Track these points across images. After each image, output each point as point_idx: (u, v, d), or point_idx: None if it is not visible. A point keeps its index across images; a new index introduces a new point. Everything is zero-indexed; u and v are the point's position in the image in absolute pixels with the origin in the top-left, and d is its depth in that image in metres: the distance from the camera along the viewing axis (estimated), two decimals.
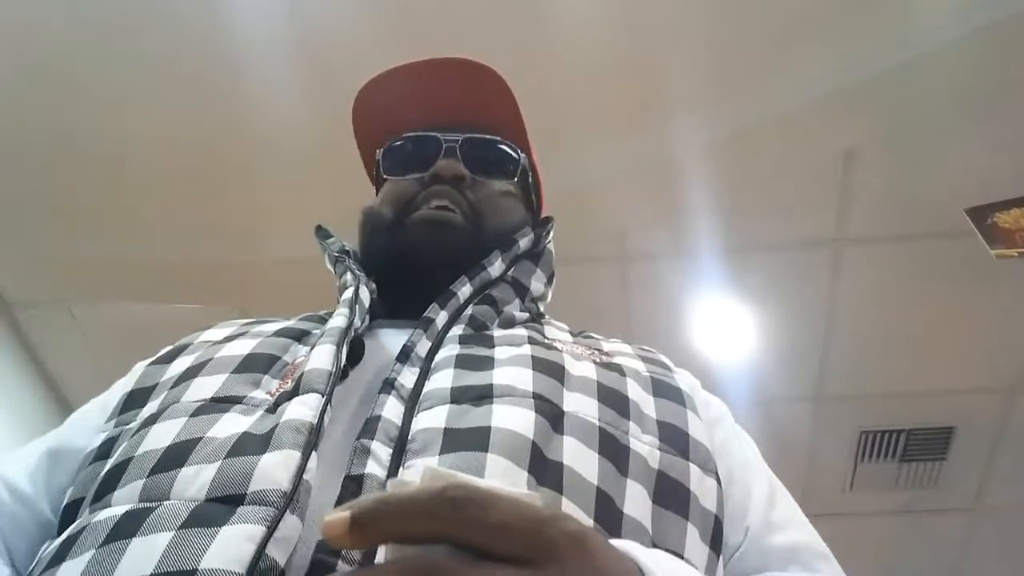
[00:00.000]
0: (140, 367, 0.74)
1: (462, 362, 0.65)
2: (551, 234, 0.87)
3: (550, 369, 0.66)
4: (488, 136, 0.87)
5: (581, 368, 0.68)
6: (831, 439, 2.93)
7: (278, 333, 0.73)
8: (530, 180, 0.93)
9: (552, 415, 0.61)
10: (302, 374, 0.60)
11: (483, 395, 0.61)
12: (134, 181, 2.26)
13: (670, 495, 0.61)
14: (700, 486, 0.64)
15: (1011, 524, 3.11)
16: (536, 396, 0.62)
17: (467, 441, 0.56)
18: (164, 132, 2.15)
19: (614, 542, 0.44)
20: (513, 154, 0.88)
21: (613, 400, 0.65)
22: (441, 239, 0.79)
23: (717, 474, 0.66)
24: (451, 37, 1.95)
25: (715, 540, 0.63)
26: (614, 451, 0.61)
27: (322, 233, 0.87)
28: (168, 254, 2.40)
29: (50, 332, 2.66)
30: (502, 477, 0.54)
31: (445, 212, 0.80)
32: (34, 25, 1.94)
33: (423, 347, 0.67)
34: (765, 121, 2.12)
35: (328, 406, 0.58)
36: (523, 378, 0.63)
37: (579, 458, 0.59)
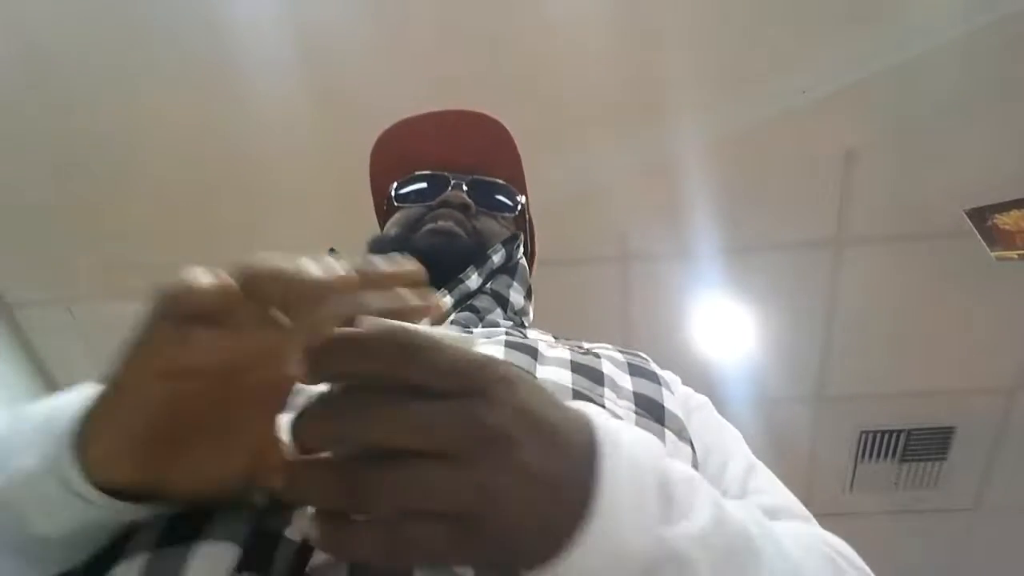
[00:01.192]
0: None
1: None
2: (521, 249, 0.94)
3: (523, 348, 0.69)
4: (493, 179, 0.97)
5: (555, 352, 0.71)
6: (831, 439, 2.92)
7: None
8: (526, 223, 1.02)
9: None
10: None
11: None
12: (135, 182, 2.27)
13: None
14: (676, 450, 0.65)
15: (1011, 524, 3.10)
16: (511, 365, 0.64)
17: None
18: (165, 133, 2.15)
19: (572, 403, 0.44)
20: (514, 196, 0.98)
21: (587, 372, 0.68)
22: (446, 245, 0.86)
23: (692, 444, 0.67)
24: (452, 42, 1.96)
25: None
26: None
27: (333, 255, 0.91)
28: (169, 255, 2.40)
29: (50, 332, 2.66)
30: None
31: (451, 226, 0.88)
32: (35, 27, 1.94)
33: None
34: (765, 121, 2.12)
35: None
36: (496, 354, 0.66)
37: None
